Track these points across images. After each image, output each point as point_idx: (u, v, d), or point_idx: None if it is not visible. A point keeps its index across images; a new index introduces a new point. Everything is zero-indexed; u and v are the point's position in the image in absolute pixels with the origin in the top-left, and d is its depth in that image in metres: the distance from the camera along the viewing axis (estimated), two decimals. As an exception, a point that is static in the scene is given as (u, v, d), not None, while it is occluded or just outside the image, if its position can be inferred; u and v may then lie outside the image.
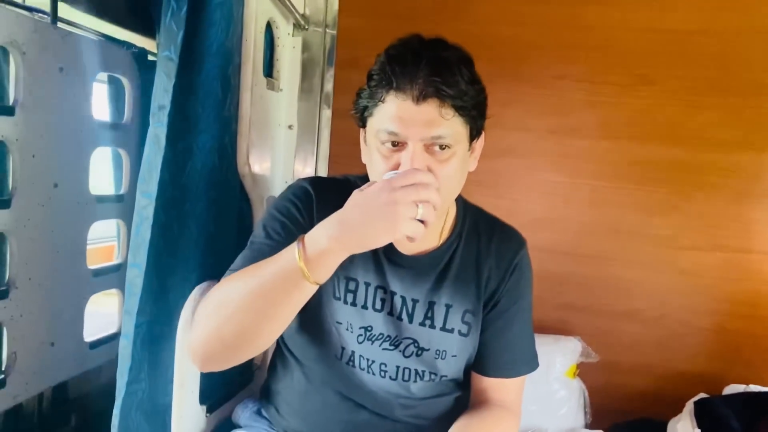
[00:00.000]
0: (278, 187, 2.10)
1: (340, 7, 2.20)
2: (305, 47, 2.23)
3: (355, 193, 0.98)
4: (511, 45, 2.10)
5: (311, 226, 1.02)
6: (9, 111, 1.55)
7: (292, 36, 2.19)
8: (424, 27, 1.14)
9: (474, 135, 1.10)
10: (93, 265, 1.88)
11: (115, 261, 1.99)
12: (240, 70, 1.51)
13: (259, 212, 1.61)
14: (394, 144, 1.03)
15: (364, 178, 1.14)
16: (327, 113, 2.24)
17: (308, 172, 2.27)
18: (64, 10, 1.68)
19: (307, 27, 2.20)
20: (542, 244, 2.09)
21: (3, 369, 1.55)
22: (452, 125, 1.02)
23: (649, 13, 2.04)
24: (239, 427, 1.31)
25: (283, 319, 1.02)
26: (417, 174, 0.95)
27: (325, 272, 0.98)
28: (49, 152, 1.67)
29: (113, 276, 1.94)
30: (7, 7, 1.56)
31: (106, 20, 1.79)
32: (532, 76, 2.11)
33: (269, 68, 2.09)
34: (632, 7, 2.05)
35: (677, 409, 1.85)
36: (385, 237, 0.94)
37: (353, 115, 1.14)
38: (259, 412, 1.34)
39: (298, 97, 2.24)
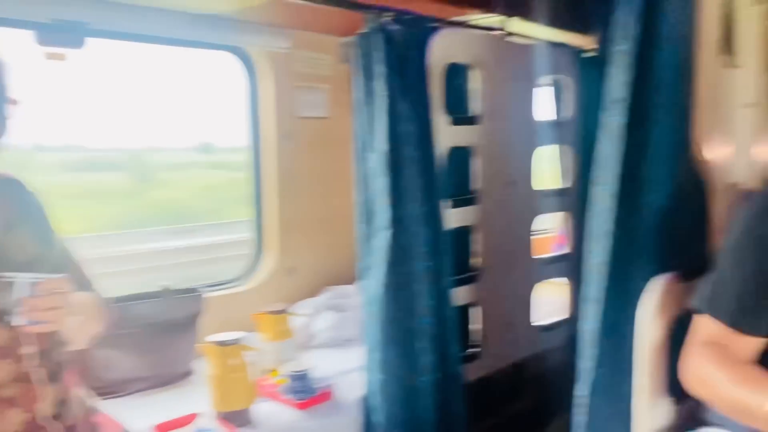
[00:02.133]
0: (741, 173, 1.91)
1: None
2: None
3: None
4: None
5: None
6: (473, 121, 1.80)
7: (754, 5, 1.96)
8: None
9: None
10: (537, 254, 2.03)
11: (560, 252, 2.11)
12: (694, 53, 1.42)
13: (721, 201, 1.49)
14: None
15: None
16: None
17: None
18: (515, 24, 1.86)
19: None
20: None
21: (477, 343, 1.80)
22: None
23: None
24: (712, 424, 1.22)
25: None
26: None
27: None
28: (504, 154, 1.87)
29: (559, 265, 2.06)
30: (469, 30, 1.81)
31: (549, 26, 1.92)
32: None
33: (725, 45, 1.92)
34: None
35: None
36: None
37: None
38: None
39: (762, 72, 1.99)
